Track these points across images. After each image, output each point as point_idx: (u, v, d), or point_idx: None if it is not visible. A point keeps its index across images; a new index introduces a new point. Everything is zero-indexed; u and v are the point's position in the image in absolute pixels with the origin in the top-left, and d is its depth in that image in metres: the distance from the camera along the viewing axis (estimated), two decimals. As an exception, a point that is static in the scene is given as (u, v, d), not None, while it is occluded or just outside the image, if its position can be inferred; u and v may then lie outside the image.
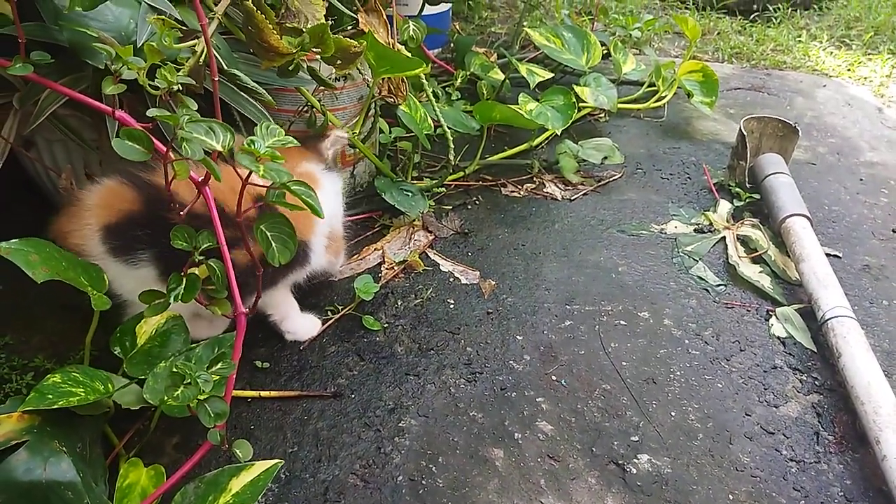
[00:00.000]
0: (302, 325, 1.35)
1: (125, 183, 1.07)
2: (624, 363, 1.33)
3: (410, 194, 1.69)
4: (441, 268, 1.58)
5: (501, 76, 2.21)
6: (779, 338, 1.42)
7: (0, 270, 1.02)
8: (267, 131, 0.83)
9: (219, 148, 0.79)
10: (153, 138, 0.85)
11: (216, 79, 0.99)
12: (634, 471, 1.12)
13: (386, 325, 1.39)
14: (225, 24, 1.24)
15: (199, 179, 0.93)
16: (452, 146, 1.77)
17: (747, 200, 1.84)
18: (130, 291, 1.09)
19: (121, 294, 1.12)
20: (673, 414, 1.23)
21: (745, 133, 1.85)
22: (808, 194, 1.88)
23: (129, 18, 1.12)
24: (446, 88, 2.22)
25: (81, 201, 1.08)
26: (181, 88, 0.95)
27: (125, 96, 0.96)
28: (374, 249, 1.61)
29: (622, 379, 1.30)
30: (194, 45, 1.09)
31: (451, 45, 2.52)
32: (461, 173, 1.90)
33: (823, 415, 1.25)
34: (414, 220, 1.71)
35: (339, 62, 1.30)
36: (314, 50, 1.22)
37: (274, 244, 0.88)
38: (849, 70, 2.88)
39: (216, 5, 1.14)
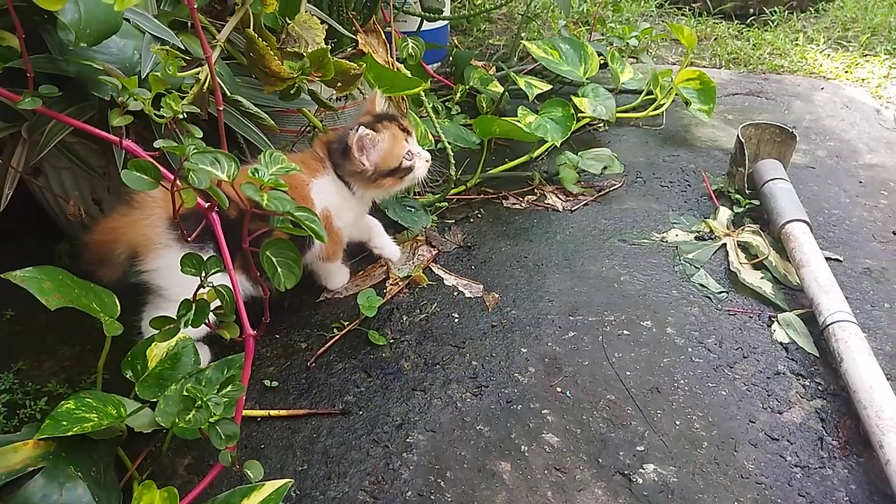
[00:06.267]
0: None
1: None
2: (628, 373, 1.34)
3: (413, 210, 1.71)
4: (445, 282, 1.59)
5: (500, 89, 2.23)
6: (781, 343, 1.43)
7: (11, 296, 1.05)
8: (271, 159, 0.85)
9: (224, 178, 0.81)
10: (161, 167, 0.87)
11: (221, 108, 1.01)
12: (640, 481, 1.13)
13: (392, 341, 1.41)
14: (227, 49, 1.27)
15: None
16: (453, 160, 1.79)
17: (747, 207, 1.85)
18: None
19: None
20: (678, 423, 1.24)
21: (742, 140, 1.87)
22: (808, 198, 1.90)
23: (133, 49, 1.15)
24: (446, 103, 2.25)
25: None
26: (186, 116, 0.97)
27: (131, 123, 0.98)
28: (379, 266, 1.63)
29: (626, 389, 1.31)
30: (198, 73, 1.12)
31: (450, 59, 2.55)
32: (462, 187, 1.92)
33: (827, 420, 1.26)
34: (417, 236, 1.73)
35: (339, 84, 1.32)
36: (314, 74, 1.25)
37: (279, 269, 0.90)
38: (846, 72, 2.90)
39: (219, 32, 1.17)
